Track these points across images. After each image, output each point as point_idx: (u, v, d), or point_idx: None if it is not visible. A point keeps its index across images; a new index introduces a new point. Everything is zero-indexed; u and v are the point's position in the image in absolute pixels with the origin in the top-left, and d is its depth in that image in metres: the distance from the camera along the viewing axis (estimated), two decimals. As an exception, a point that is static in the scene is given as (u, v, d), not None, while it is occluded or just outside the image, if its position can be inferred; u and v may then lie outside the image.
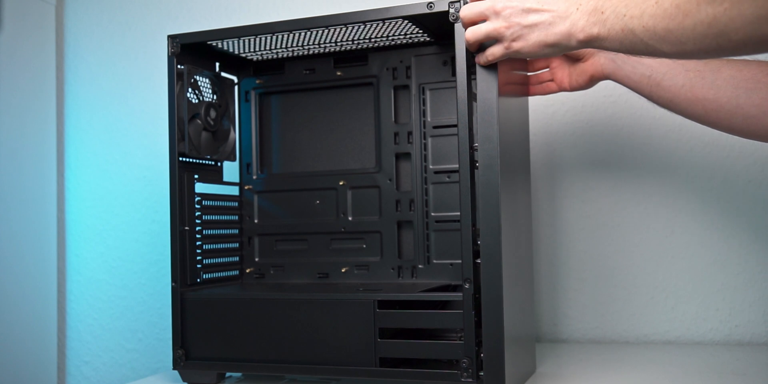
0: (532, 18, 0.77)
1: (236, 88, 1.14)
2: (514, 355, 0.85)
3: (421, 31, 0.97)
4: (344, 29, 0.95)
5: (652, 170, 1.20)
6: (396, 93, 1.06)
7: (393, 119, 1.06)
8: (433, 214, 1.03)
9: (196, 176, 1.04)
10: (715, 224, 1.17)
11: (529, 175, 0.97)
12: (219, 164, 1.11)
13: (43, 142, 1.45)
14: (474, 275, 0.83)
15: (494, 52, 0.81)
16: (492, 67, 0.83)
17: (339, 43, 1.03)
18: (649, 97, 0.94)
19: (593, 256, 1.22)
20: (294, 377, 1.00)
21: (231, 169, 1.14)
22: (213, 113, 1.06)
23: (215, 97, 1.08)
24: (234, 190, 1.13)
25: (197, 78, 1.04)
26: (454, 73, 0.93)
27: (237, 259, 1.12)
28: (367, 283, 1.04)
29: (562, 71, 0.98)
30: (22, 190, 1.39)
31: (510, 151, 0.86)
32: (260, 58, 1.10)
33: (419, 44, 1.03)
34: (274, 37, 0.99)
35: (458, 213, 0.84)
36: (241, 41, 1.01)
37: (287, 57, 1.10)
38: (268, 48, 1.05)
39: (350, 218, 1.07)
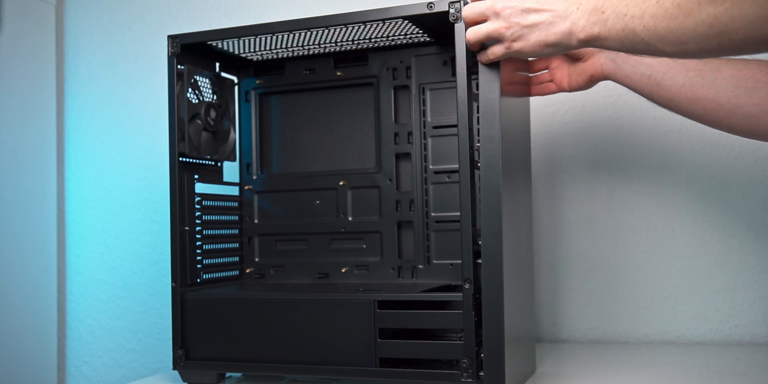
0: (532, 18, 0.77)
1: (236, 88, 1.14)
2: (514, 356, 0.85)
3: (421, 31, 0.97)
4: (344, 29, 0.95)
5: (652, 170, 1.20)
6: (396, 93, 1.06)
7: (393, 119, 1.06)
8: (433, 214, 1.03)
9: (196, 176, 1.04)
10: (715, 224, 1.17)
11: (530, 175, 0.97)
12: (219, 164, 1.11)
13: (43, 142, 1.45)
14: (474, 275, 0.83)
15: (495, 51, 0.81)
16: (494, 66, 0.83)
17: (339, 43, 1.03)
18: (649, 97, 0.94)
19: (593, 256, 1.22)
20: (294, 377, 1.00)
21: (231, 170, 1.14)
22: (213, 113, 1.06)
23: (215, 97, 1.08)
24: (234, 191, 1.13)
25: (197, 78, 1.04)
26: (454, 73, 0.93)
27: (237, 259, 1.12)
28: (367, 284, 1.04)
29: (561, 72, 0.98)
30: (22, 190, 1.39)
31: (511, 151, 0.86)
32: (260, 58, 1.10)
33: (419, 44, 1.03)
34: (274, 37, 0.99)
35: (458, 213, 0.84)
36: (241, 41, 1.01)
37: (287, 57, 1.10)
38: (268, 48, 1.05)
39: (350, 218, 1.07)
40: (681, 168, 1.19)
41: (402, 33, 0.97)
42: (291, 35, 0.98)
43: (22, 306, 1.38)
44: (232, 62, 1.12)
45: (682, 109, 0.92)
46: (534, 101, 1.07)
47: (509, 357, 0.82)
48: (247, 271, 1.12)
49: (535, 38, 0.78)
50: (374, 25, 0.93)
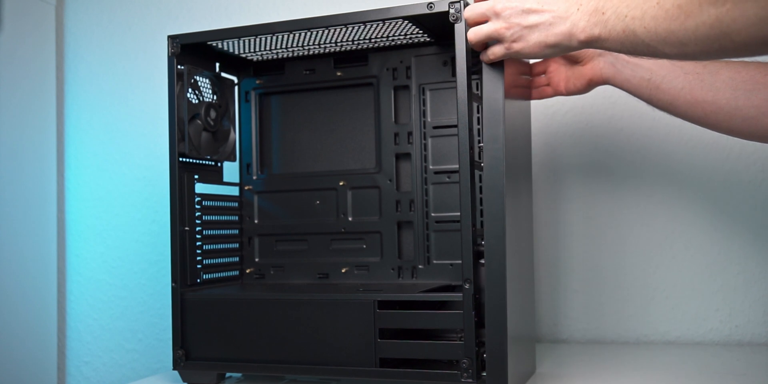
0: (532, 19, 0.77)
1: (236, 88, 1.14)
2: (516, 356, 0.85)
3: (421, 32, 0.97)
4: (344, 29, 0.95)
5: (652, 171, 1.20)
6: (396, 93, 1.06)
7: (393, 119, 1.06)
8: (433, 214, 1.03)
9: (196, 176, 1.04)
10: (715, 224, 1.17)
11: (530, 175, 0.97)
12: (219, 164, 1.11)
13: (43, 142, 1.45)
14: (474, 276, 0.83)
15: (495, 52, 0.81)
16: (498, 66, 0.83)
17: (339, 44, 1.03)
18: (649, 101, 0.94)
19: (593, 256, 1.22)
20: (294, 377, 1.00)
21: (231, 170, 1.14)
22: (213, 113, 1.06)
23: (215, 97, 1.08)
24: (234, 191, 1.13)
25: (197, 78, 1.04)
26: (454, 74, 0.93)
27: (237, 259, 1.12)
28: (367, 284, 1.04)
29: (558, 75, 0.98)
30: (22, 190, 1.39)
31: (514, 151, 0.86)
32: (260, 58, 1.10)
33: (419, 44, 1.03)
34: (275, 38, 0.99)
35: (458, 213, 0.84)
36: (241, 41, 1.01)
37: (287, 57, 1.10)
38: (268, 48, 1.05)
39: (350, 218, 1.07)
40: (681, 168, 1.19)
41: (402, 33, 0.97)
42: (291, 35, 0.98)
43: (22, 306, 1.38)
44: (232, 62, 1.12)
45: (682, 112, 0.92)
46: (534, 101, 1.07)
47: (511, 357, 0.82)
48: (247, 271, 1.12)
49: (535, 39, 0.77)
50: (374, 26, 0.93)
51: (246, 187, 1.13)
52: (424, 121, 1.04)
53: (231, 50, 1.05)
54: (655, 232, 1.19)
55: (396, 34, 0.98)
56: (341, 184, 1.08)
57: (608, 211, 1.22)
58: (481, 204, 0.90)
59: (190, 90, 1.02)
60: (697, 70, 0.89)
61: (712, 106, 0.88)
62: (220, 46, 1.03)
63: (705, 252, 1.18)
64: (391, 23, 0.92)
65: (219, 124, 1.08)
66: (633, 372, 0.97)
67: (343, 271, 1.07)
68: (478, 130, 0.94)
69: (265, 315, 0.94)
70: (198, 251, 1.03)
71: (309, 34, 0.97)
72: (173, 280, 0.99)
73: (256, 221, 1.12)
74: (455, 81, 0.85)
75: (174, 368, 0.98)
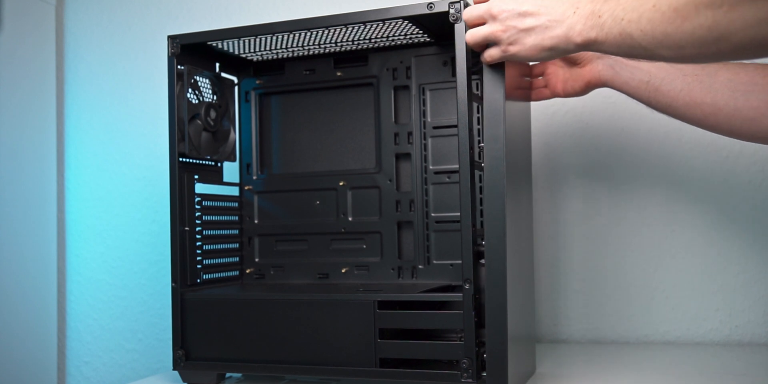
0: (528, 22, 0.77)
1: (236, 88, 1.14)
2: (516, 356, 0.85)
3: (421, 32, 0.97)
4: (344, 30, 0.95)
5: (652, 171, 1.20)
6: (396, 93, 1.06)
7: (393, 120, 1.06)
8: (433, 214, 1.03)
9: (196, 177, 1.04)
10: (715, 224, 1.17)
11: (530, 175, 0.97)
12: (219, 165, 1.11)
13: (43, 142, 1.45)
14: (474, 276, 0.83)
15: (492, 54, 0.82)
16: (498, 66, 0.83)
17: (339, 44, 1.03)
18: (648, 103, 0.94)
19: (593, 256, 1.22)
20: (294, 378, 1.00)
21: (231, 170, 1.14)
22: (213, 114, 1.06)
23: (215, 97, 1.08)
24: (234, 191, 1.13)
25: (197, 78, 1.04)
26: (454, 74, 0.92)
27: (237, 259, 1.12)
28: (367, 284, 1.04)
29: (556, 77, 0.98)
30: (22, 190, 1.39)
31: (514, 151, 0.86)
32: (260, 58, 1.10)
33: (419, 45, 1.03)
34: (275, 38, 0.99)
35: (458, 213, 0.84)
36: (241, 42, 1.01)
37: (287, 57, 1.10)
38: (268, 48, 1.05)
39: (350, 219, 1.07)
40: (681, 168, 1.19)
41: (402, 33, 0.97)
42: (291, 35, 0.98)
43: (22, 306, 1.38)
44: (232, 62, 1.12)
45: (681, 114, 0.91)
46: (534, 102, 1.07)
47: (511, 358, 0.82)
48: (247, 271, 1.12)
49: (531, 42, 0.77)
50: (374, 26, 0.93)
51: (246, 187, 1.13)
52: (424, 121, 1.04)
53: (231, 50, 1.05)
54: (655, 232, 1.19)
55: (396, 34, 0.98)
56: (341, 184, 1.08)
57: (608, 211, 1.22)
58: (481, 204, 0.90)
59: (190, 90, 1.02)
60: (696, 71, 0.88)
61: (712, 108, 0.88)
62: (220, 46, 1.03)
63: (705, 252, 1.18)
64: (391, 23, 0.92)
65: (219, 124, 1.08)
66: (633, 372, 0.97)
67: (343, 271, 1.07)
68: (478, 130, 0.94)
69: (265, 315, 0.94)
70: (198, 251, 1.03)
71: (309, 34, 0.97)
72: (173, 280, 0.99)
73: (256, 221, 1.12)
74: (455, 81, 0.85)
75: (174, 368, 0.98)
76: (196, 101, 1.04)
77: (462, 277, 0.84)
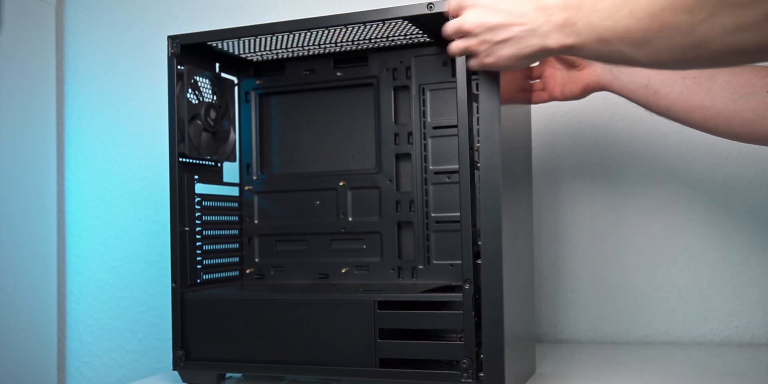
0: (502, 34, 0.77)
1: (236, 88, 1.14)
2: (514, 356, 0.85)
3: (421, 32, 0.97)
4: (344, 30, 0.95)
5: (652, 171, 1.20)
6: (396, 93, 1.06)
7: (393, 120, 1.06)
8: (433, 214, 1.03)
9: (196, 177, 1.04)
10: (714, 225, 1.17)
11: (530, 175, 0.97)
12: (219, 165, 1.11)
13: (43, 142, 1.45)
14: (474, 276, 0.83)
15: (472, 65, 0.82)
16: None
17: (339, 44, 1.03)
18: (647, 106, 0.93)
19: (593, 256, 1.22)
20: (294, 378, 1.00)
21: (231, 170, 1.14)
22: (213, 114, 1.06)
23: (215, 97, 1.08)
24: (234, 191, 1.13)
25: (197, 78, 1.04)
26: (454, 74, 0.92)
27: (237, 259, 1.12)
28: (367, 284, 1.04)
29: (554, 80, 0.98)
30: (22, 190, 1.39)
31: (512, 151, 0.86)
32: (260, 58, 1.10)
33: (419, 45, 1.03)
34: (275, 38, 0.99)
35: (458, 213, 0.84)
36: (241, 42, 1.01)
37: (287, 57, 1.10)
38: (268, 48, 1.05)
39: (350, 219, 1.07)
40: (681, 169, 1.19)
41: (402, 33, 0.97)
42: (291, 36, 0.98)
43: (22, 306, 1.38)
44: (232, 63, 1.12)
45: (681, 117, 0.91)
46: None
47: (509, 357, 0.82)
48: (247, 271, 1.12)
49: (507, 53, 0.77)
50: (374, 26, 0.93)
51: (246, 188, 1.13)
52: (424, 122, 1.04)
53: (231, 50, 1.05)
54: (655, 232, 1.20)
55: (396, 35, 0.98)
56: (341, 184, 1.08)
57: (608, 212, 1.22)
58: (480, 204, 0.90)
59: (190, 90, 1.02)
60: (694, 74, 0.88)
61: (711, 111, 0.88)
62: (220, 46, 1.03)
63: (705, 252, 1.18)
64: (391, 23, 0.92)
65: (219, 125, 1.08)
66: (633, 372, 0.97)
67: (343, 271, 1.07)
68: (478, 130, 0.94)
69: (265, 315, 0.94)
70: (198, 251, 1.03)
71: (309, 34, 0.97)
72: (173, 280, 0.99)
73: (256, 221, 1.12)
74: (455, 81, 0.85)
75: (174, 368, 0.98)
76: (196, 101, 1.04)
77: (462, 277, 0.84)
